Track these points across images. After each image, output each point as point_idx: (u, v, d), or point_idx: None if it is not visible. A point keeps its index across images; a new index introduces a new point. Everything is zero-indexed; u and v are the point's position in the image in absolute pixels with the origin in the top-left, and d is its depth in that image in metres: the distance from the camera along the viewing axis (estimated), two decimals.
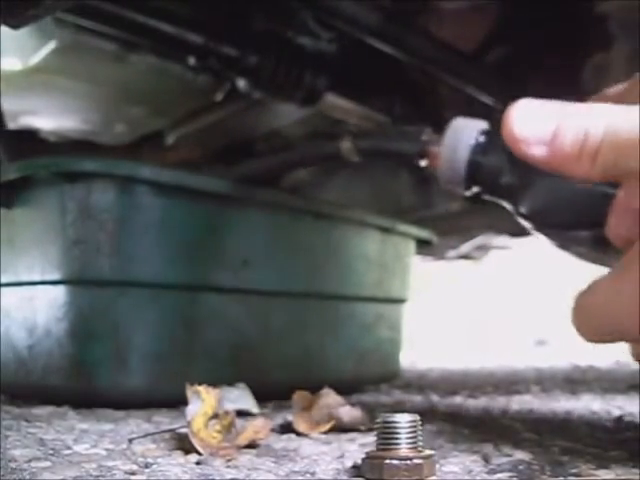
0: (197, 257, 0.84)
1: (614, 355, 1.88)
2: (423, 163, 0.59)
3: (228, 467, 0.48)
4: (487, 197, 0.56)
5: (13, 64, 0.97)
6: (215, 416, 0.55)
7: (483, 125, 0.55)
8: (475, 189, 0.56)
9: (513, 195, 0.53)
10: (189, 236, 0.83)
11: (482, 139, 0.54)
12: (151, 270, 0.80)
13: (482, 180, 0.55)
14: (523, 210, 0.51)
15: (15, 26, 0.65)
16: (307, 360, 0.97)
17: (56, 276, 0.80)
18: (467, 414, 0.77)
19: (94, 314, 0.79)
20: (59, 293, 0.80)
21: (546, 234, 0.52)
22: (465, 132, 0.55)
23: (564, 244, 0.51)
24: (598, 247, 0.48)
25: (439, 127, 0.60)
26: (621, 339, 0.43)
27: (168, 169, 0.83)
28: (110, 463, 0.49)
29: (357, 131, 0.67)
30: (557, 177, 0.48)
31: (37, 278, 0.82)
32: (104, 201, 0.78)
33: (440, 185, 0.57)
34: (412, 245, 1.17)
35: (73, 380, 0.80)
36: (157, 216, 0.81)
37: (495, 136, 0.54)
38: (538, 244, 1.66)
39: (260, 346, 0.91)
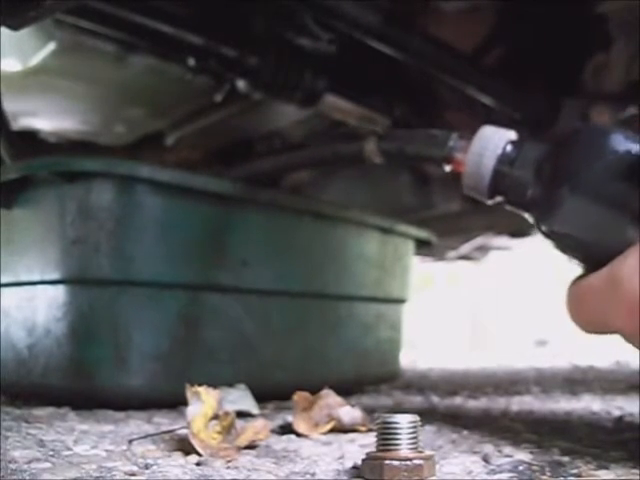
0: (197, 257, 0.84)
1: (614, 355, 1.88)
2: (448, 169, 0.58)
3: (228, 468, 0.48)
4: (509, 208, 0.55)
5: (13, 65, 0.97)
6: (215, 417, 0.55)
7: (512, 135, 0.54)
8: (498, 198, 0.55)
9: (536, 210, 0.52)
10: (189, 235, 0.83)
11: (509, 149, 0.53)
12: (151, 269, 0.80)
13: (506, 190, 0.54)
14: (545, 228, 0.50)
15: (15, 27, 0.65)
16: (307, 360, 0.97)
17: (56, 276, 0.80)
18: (467, 415, 0.77)
19: (94, 314, 0.79)
20: (59, 293, 0.80)
21: (567, 255, 0.51)
22: (492, 141, 0.54)
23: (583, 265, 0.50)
24: None
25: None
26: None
27: (167, 168, 0.82)
28: (110, 464, 0.49)
29: (382, 133, 0.66)
30: (585, 202, 0.47)
31: (37, 278, 0.82)
32: (103, 200, 0.78)
33: (463, 191, 0.57)
34: (412, 245, 1.17)
35: (73, 380, 0.79)
36: (157, 215, 0.81)
37: (523, 147, 0.53)
38: (538, 244, 1.66)
39: (260, 346, 0.91)
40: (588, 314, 0.46)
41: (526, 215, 0.53)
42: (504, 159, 0.53)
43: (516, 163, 0.53)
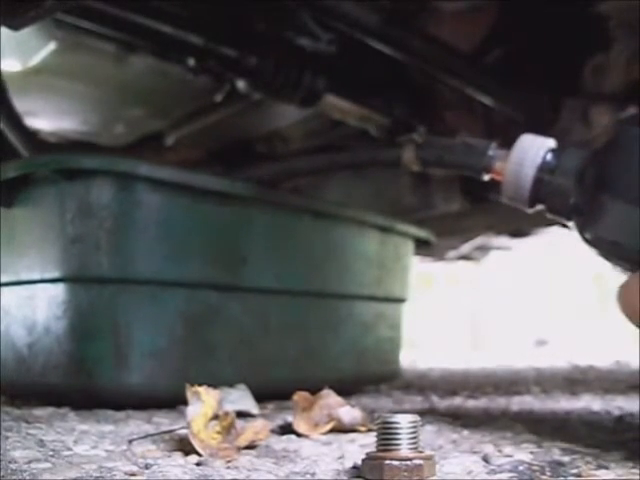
0: (196, 255, 0.84)
1: (614, 355, 1.88)
2: (487, 178, 0.58)
3: (228, 468, 0.48)
4: (551, 216, 0.55)
5: (13, 65, 0.97)
6: (215, 417, 0.55)
7: (551, 143, 0.54)
8: (539, 207, 0.55)
9: (579, 217, 0.51)
10: (188, 234, 0.83)
11: (549, 157, 0.53)
12: (150, 267, 0.80)
13: (547, 199, 0.53)
14: (589, 235, 0.50)
15: (15, 27, 0.65)
16: (307, 359, 0.97)
17: (55, 274, 0.80)
18: (467, 415, 0.77)
19: (93, 312, 0.79)
20: (58, 291, 0.80)
21: (612, 262, 0.51)
22: (532, 149, 0.53)
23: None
24: None
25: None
26: None
27: (167, 166, 0.82)
28: (110, 464, 0.49)
29: (421, 141, 0.66)
30: (629, 208, 0.46)
31: (37, 276, 0.82)
32: (103, 198, 0.78)
33: (503, 200, 0.57)
34: (411, 245, 1.17)
35: (73, 378, 0.79)
36: (156, 213, 0.81)
37: (562, 155, 0.53)
38: (538, 245, 1.66)
39: (260, 345, 0.91)
40: (630, 308, 0.47)
41: (569, 223, 0.53)
42: (544, 167, 0.53)
43: (557, 171, 0.52)
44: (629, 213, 0.47)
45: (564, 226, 0.54)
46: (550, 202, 0.53)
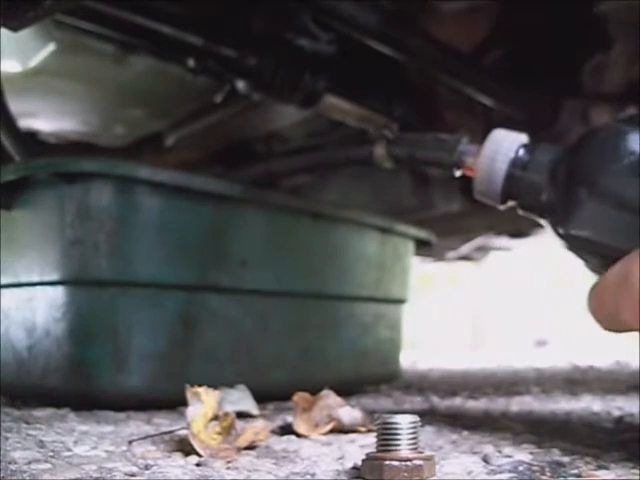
0: (196, 257, 0.84)
1: (614, 355, 1.88)
2: (458, 174, 0.57)
3: (228, 469, 0.48)
4: (522, 212, 0.54)
5: (13, 66, 0.97)
6: (215, 418, 0.55)
7: (523, 138, 0.53)
8: (511, 203, 0.54)
9: (552, 214, 0.51)
10: (188, 236, 0.83)
11: (522, 152, 0.52)
12: (150, 270, 0.80)
13: (519, 195, 0.53)
14: (562, 231, 0.49)
15: (15, 28, 0.65)
16: (307, 360, 0.97)
17: (55, 277, 0.80)
18: (467, 415, 0.77)
19: (93, 314, 0.79)
20: (58, 294, 0.80)
21: (583, 259, 0.50)
22: (504, 144, 0.53)
23: (600, 271, 0.49)
24: None
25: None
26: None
27: (166, 169, 0.83)
28: (110, 465, 0.49)
29: (392, 137, 0.65)
30: (604, 204, 0.46)
31: (36, 279, 0.82)
32: (102, 201, 0.78)
33: (474, 196, 0.56)
34: (411, 245, 1.17)
35: (72, 380, 0.79)
36: (156, 216, 0.81)
37: (536, 150, 0.52)
38: (538, 245, 1.66)
39: (259, 346, 0.91)
40: (603, 310, 0.46)
41: (541, 219, 0.53)
42: (517, 163, 0.52)
43: (529, 166, 0.52)
44: (602, 209, 0.46)
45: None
46: (522, 198, 0.53)
